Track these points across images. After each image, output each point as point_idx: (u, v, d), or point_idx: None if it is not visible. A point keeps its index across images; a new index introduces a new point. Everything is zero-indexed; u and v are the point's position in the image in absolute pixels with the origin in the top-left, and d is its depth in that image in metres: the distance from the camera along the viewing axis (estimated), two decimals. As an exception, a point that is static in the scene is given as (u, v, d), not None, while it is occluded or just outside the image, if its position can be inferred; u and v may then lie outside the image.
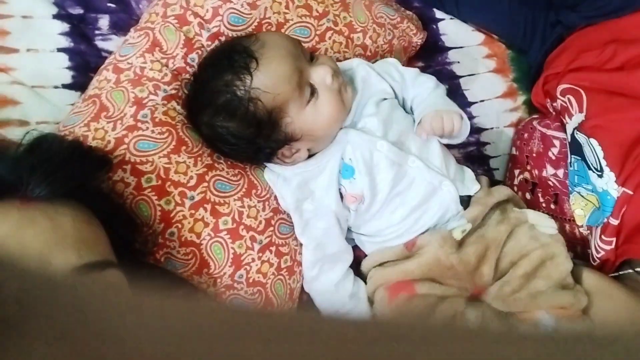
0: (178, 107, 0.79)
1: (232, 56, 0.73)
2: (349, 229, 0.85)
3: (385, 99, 0.84)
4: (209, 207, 0.76)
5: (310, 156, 0.80)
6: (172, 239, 0.74)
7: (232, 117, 0.73)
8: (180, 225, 0.74)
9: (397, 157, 0.79)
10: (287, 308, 0.84)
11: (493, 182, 0.94)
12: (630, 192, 0.85)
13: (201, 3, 0.84)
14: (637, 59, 0.89)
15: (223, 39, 0.84)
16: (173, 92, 0.80)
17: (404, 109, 0.88)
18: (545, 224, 0.85)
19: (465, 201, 0.85)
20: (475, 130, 1.04)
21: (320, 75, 0.75)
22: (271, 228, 0.81)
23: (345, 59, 0.92)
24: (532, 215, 0.86)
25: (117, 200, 0.70)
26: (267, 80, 0.71)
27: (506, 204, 0.87)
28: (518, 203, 0.89)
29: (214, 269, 0.77)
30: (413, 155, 0.81)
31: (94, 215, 0.61)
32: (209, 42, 0.84)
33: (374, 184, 0.79)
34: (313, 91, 0.75)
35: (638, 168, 0.84)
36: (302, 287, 0.88)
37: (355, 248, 0.87)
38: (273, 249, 0.81)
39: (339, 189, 0.79)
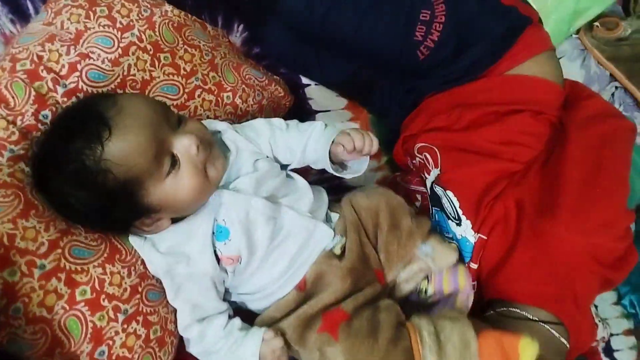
0: (27, 169, 0.71)
1: (85, 121, 0.67)
2: (226, 291, 0.80)
3: (258, 159, 0.83)
4: (63, 276, 0.68)
5: (178, 219, 0.76)
6: (18, 316, 0.64)
7: (81, 186, 0.67)
8: (27, 300, 0.65)
9: (272, 211, 0.78)
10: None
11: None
12: (485, 237, 0.92)
13: (55, 58, 0.79)
14: (479, 120, 1.00)
15: (82, 95, 0.79)
16: (21, 152, 0.72)
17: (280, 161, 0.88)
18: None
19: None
20: (345, 188, 1.07)
21: (184, 145, 0.71)
22: (138, 295, 0.74)
23: (216, 117, 0.91)
24: (351, 195, 0.92)
25: None
26: (119, 152, 0.66)
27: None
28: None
29: (69, 347, 0.67)
30: (285, 206, 0.80)
31: None
32: (65, 99, 0.78)
33: (251, 242, 0.76)
34: (175, 162, 0.71)
35: (489, 215, 0.92)
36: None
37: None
38: (140, 318, 0.74)
39: (215, 252, 0.75)
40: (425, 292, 0.89)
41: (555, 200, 0.87)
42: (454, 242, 0.95)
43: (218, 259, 0.75)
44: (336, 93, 1.18)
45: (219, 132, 0.83)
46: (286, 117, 1.07)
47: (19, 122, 0.74)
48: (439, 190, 0.98)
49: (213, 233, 0.75)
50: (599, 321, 1.14)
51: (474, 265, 0.94)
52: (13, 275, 0.64)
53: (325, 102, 1.15)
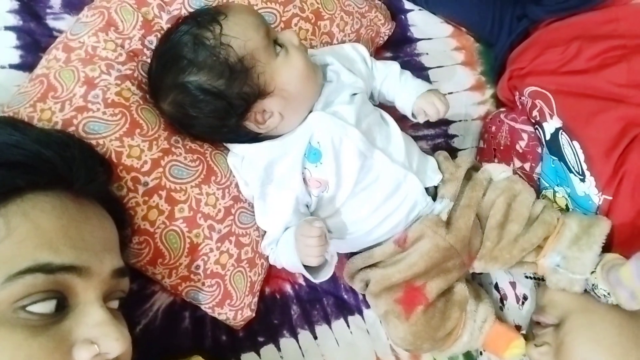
0: (133, 88, 0.75)
1: (199, 15, 0.72)
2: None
3: (356, 93, 0.82)
4: (164, 193, 0.72)
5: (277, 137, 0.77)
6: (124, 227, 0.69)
7: (201, 68, 0.69)
8: (132, 213, 0.70)
9: (365, 148, 0.77)
10: (248, 302, 0.81)
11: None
12: (609, 198, 0.84)
13: (160, -16, 0.80)
14: (601, 57, 0.89)
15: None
16: (128, 72, 0.76)
17: (372, 101, 0.87)
18: (499, 170, 0.88)
19: (432, 191, 0.84)
20: (444, 122, 1.03)
21: (287, 36, 0.75)
22: (231, 217, 0.77)
23: (312, 46, 0.89)
24: (490, 168, 0.88)
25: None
26: (236, 27, 0.69)
27: (471, 170, 0.89)
28: (477, 166, 0.91)
29: (169, 259, 0.73)
30: (378, 149, 0.79)
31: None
32: (169, 25, 0.80)
33: (339, 171, 0.76)
34: (282, 46, 0.73)
35: (615, 173, 0.83)
36: (263, 281, 0.85)
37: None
38: (233, 239, 0.78)
39: (303, 172, 0.76)
40: (605, 296, 0.78)
41: None
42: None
43: (305, 181, 0.76)
44: (441, 19, 1.10)
45: (327, 64, 0.83)
46: (386, 44, 1.03)
47: (126, 46, 0.77)
48: (564, 139, 0.89)
49: (305, 154, 0.75)
50: None
51: None
52: (120, 190, 0.69)
53: (429, 29, 1.08)
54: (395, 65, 0.87)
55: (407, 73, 0.87)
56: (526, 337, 0.87)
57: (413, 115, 0.86)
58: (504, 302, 0.94)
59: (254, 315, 0.83)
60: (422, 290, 0.82)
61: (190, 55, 0.69)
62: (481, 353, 0.93)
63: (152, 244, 0.71)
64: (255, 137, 0.77)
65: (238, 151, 0.78)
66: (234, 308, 0.79)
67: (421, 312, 0.81)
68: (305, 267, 0.72)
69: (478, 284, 0.95)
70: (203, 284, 0.76)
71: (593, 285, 0.79)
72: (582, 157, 0.86)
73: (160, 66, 0.72)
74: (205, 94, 0.69)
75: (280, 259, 0.78)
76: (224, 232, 0.76)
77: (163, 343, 0.78)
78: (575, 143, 0.86)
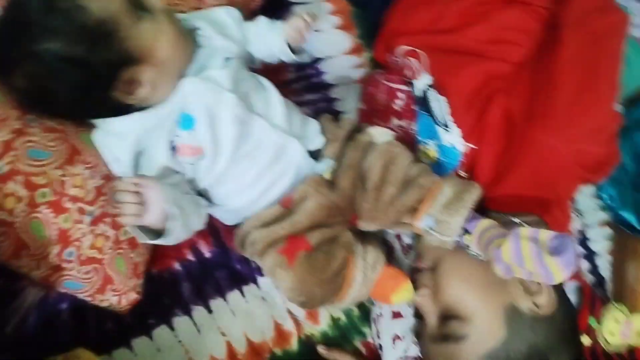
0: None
1: None
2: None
3: (230, 58, 0.79)
4: (20, 178, 0.65)
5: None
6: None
7: (58, 34, 0.62)
8: (-16, 204, 0.63)
9: (243, 114, 0.75)
10: (132, 284, 0.77)
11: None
12: (475, 147, 0.89)
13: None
14: (466, 13, 0.93)
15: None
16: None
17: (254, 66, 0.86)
18: (380, 133, 0.88)
19: (316, 155, 0.84)
20: (325, 86, 1.03)
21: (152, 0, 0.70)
22: (104, 197, 0.73)
23: (181, 12, 0.84)
24: (372, 131, 0.89)
25: None
26: None
27: (355, 132, 0.90)
28: (362, 128, 0.92)
29: (35, 250, 0.67)
30: (257, 114, 0.77)
31: None
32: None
33: (215, 138, 0.74)
34: (147, 10, 0.68)
35: (479, 124, 0.88)
36: (149, 262, 0.82)
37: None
38: (108, 220, 0.73)
39: (173, 140, 0.73)
40: (468, 247, 0.84)
41: (546, 108, 0.83)
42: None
43: (175, 149, 0.73)
44: (314, -18, 1.09)
45: (196, 29, 0.79)
46: (261, 9, 1.00)
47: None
48: (432, 94, 0.93)
49: (177, 122, 0.72)
50: (574, 213, 1.15)
51: (464, 174, 0.92)
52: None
53: (303, -8, 1.07)
54: (262, 18, 0.85)
55: (277, 21, 0.86)
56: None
57: (293, 50, 0.84)
58: (392, 254, 0.98)
59: (140, 297, 0.79)
60: (303, 237, 0.82)
61: (43, 20, 0.62)
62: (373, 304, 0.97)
63: (13, 235, 0.65)
64: (125, 110, 0.71)
65: (104, 126, 0.73)
66: (117, 293, 0.76)
67: (304, 256, 0.81)
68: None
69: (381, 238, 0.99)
70: (78, 271, 0.71)
71: (466, 245, 0.83)
72: (447, 109, 0.90)
73: (6, 35, 0.64)
74: (64, 63, 0.63)
75: None
76: (97, 214, 0.72)
77: (40, 341, 0.73)
78: (442, 97, 0.91)
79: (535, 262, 0.73)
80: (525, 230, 0.76)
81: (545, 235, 0.75)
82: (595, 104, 0.82)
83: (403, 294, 0.89)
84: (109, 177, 0.74)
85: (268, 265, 0.83)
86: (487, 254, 0.80)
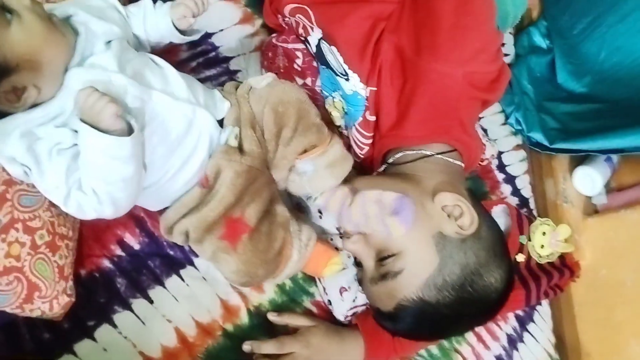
0: None
1: None
2: None
3: (110, 40, 0.77)
4: None
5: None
6: None
7: None
8: None
9: (139, 92, 0.73)
10: (62, 288, 0.75)
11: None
12: (374, 89, 0.92)
13: None
14: None
15: None
16: None
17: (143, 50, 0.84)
18: (259, 79, 0.87)
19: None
20: (223, 59, 1.03)
21: None
22: (8, 203, 0.69)
23: (50, 2, 0.81)
24: (250, 80, 0.88)
25: None
26: None
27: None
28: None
29: (-56, 268, 0.64)
30: (155, 90, 0.76)
31: None
32: None
33: None
34: (11, 12, 0.64)
35: (374, 66, 0.91)
36: (75, 263, 0.79)
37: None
38: (19, 226, 0.70)
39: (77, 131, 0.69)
40: (315, 199, 0.91)
41: (430, 38, 0.86)
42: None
43: None
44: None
45: (70, 16, 0.75)
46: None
47: None
48: (324, 46, 0.95)
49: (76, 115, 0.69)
50: (487, 141, 1.21)
51: (371, 117, 0.95)
52: None
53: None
54: (147, 1, 0.83)
55: (163, 4, 0.84)
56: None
57: (180, 32, 0.83)
58: (322, 213, 1.00)
59: (73, 300, 0.77)
60: (242, 219, 0.82)
61: None
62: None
63: None
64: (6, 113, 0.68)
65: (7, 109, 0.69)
66: (47, 299, 0.73)
67: (247, 239, 0.82)
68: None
69: (297, 203, 1.00)
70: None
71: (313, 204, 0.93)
72: (341, 58, 0.92)
73: None
74: None
75: (90, 180, 0.69)
76: (5, 222, 0.69)
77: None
78: (333, 48, 0.93)
79: (377, 221, 0.85)
80: (371, 194, 0.87)
81: (389, 197, 0.86)
82: (474, 26, 0.86)
83: (332, 268, 0.94)
84: (10, 182, 0.70)
85: (208, 251, 0.83)
86: (340, 214, 0.89)
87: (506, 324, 1.22)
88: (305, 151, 0.85)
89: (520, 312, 1.25)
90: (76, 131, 0.68)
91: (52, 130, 0.68)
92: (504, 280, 0.86)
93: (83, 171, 0.68)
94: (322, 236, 0.98)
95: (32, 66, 0.66)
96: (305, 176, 0.87)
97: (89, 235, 0.84)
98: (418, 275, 0.83)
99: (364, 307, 1.01)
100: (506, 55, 1.42)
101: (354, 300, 1.01)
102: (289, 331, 0.97)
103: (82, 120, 0.66)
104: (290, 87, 0.86)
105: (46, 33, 0.67)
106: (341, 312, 1.00)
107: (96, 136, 0.65)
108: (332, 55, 0.94)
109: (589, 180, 1.35)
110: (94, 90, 0.66)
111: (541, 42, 1.46)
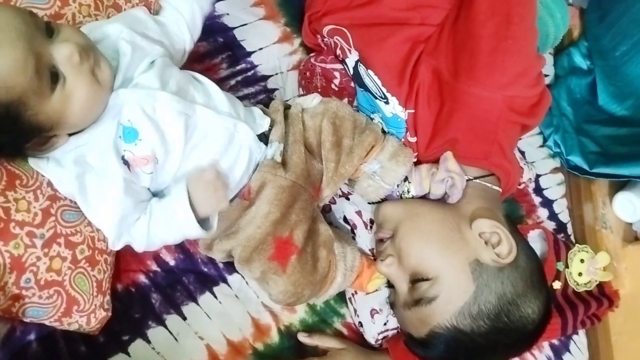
0: None
1: None
2: None
3: (155, 60, 0.78)
4: (-40, 210, 0.63)
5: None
6: None
7: None
8: None
9: (183, 107, 0.74)
10: (99, 302, 0.76)
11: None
12: (413, 111, 0.92)
13: None
14: None
15: None
16: None
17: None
18: (309, 99, 0.91)
19: (264, 140, 0.84)
20: (261, 78, 1.04)
21: (65, 55, 0.63)
22: (52, 218, 0.71)
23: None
24: (299, 100, 0.92)
25: None
26: None
27: (287, 110, 0.91)
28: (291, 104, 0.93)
29: (-10, 281, 0.65)
30: (199, 104, 0.76)
31: None
32: None
33: (164, 139, 0.72)
34: (58, 75, 0.63)
35: (411, 89, 0.91)
36: (112, 278, 0.80)
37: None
38: (61, 240, 0.71)
39: (123, 156, 0.71)
40: (408, 191, 0.94)
41: (469, 61, 0.85)
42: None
43: (128, 164, 0.71)
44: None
45: (103, 39, 0.76)
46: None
47: None
48: (362, 69, 0.95)
49: (120, 137, 0.70)
50: (525, 164, 1.19)
51: (412, 139, 0.95)
52: None
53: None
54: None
55: None
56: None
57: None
58: (355, 231, 1.00)
59: (109, 315, 0.78)
60: (290, 240, 0.82)
61: None
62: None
63: (-37, 270, 0.63)
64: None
65: (38, 154, 0.70)
66: (85, 313, 0.74)
67: (295, 260, 0.82)
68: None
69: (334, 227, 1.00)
70: (40, 297, 0.69)
71: (403, 191, 0.93)
72: (379, 82, 0.93)
73: None
74: None
75: (155, 236, 0.73)
76: (48, 236, 0.70)
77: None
78: (371, 71, 0.93)
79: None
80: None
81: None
82: (514, 50, 0.84)
83: (376, 282, 0.94)
84: (54, 198, 0.72)
85: (257, 271, 0.83)
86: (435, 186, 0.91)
87: (541, 353, 1.18)
88: (367, 155, 0.90)
89: (555, 342, 1.21)
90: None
91: (103, 160, 0.70)
92: (541, 311, 0.84)
93: (151, 222, 0.73)
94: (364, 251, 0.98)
95: (67, 126, 0.67)
96: (376, 176, 0.91)
97: (127, 249, 0.85)
98: (453, 302, 0.81)
99: (395, 331, 1.00)
100: (546, 75, 1.40)
101: (385, 324, 0.99)
102: (319, 352, 0.96)
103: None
104: (341, 103, 0.92)
105: (88, 98, 0.66)
106: (372, 334, 0.99)
107: (189, 217, 0.71)
108: (369, 78, 0.94)
109: (630, 206, 1.31)
110: (218, 177, 0.72)
111: (582, 63, 1.43)
